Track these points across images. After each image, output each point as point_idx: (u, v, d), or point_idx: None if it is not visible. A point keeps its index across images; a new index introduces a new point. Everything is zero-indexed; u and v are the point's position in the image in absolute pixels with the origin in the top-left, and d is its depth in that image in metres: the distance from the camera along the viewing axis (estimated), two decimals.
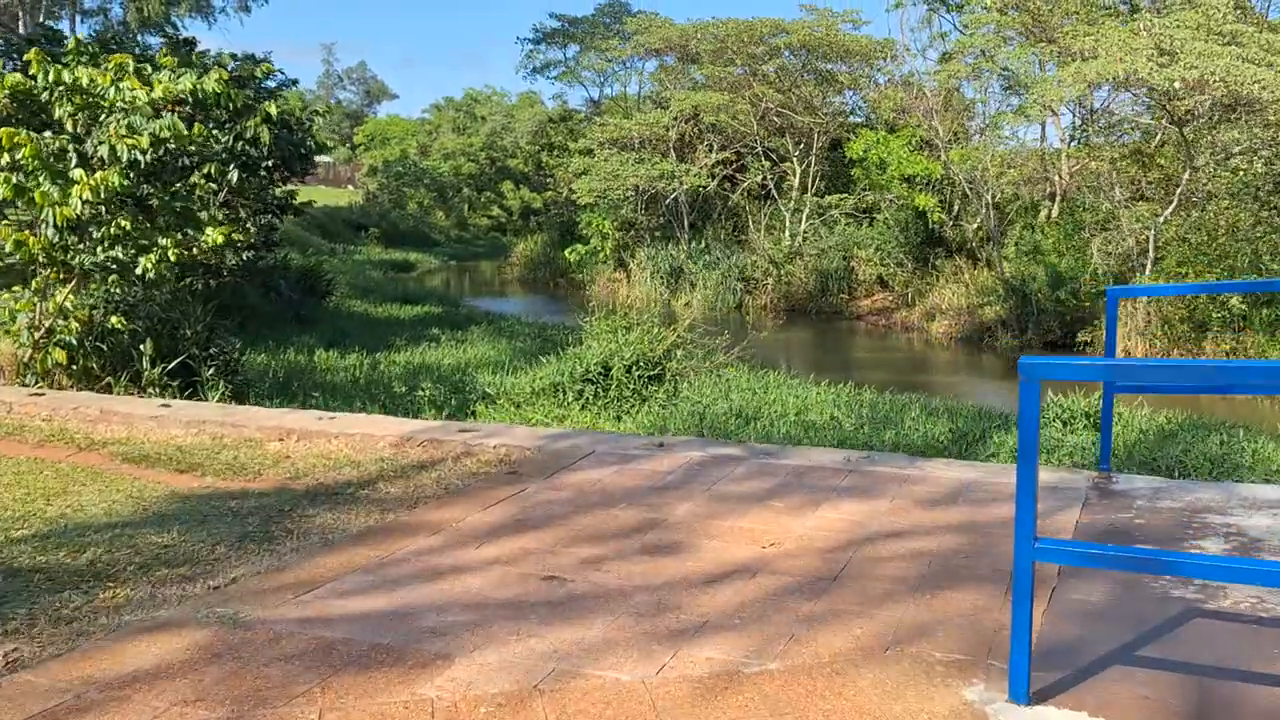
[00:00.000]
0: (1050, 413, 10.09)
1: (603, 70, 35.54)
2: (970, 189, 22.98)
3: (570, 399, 9.95)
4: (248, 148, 10.45)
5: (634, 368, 10.18)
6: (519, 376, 11.34)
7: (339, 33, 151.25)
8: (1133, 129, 17.97)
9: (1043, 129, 25.89)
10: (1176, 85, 13.56)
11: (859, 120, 29.98)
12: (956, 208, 26.20)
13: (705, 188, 30.29)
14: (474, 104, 64.86)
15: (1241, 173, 15.54)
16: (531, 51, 36.45)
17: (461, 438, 6.64)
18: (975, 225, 25.33)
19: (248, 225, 13.21)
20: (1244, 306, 16.06)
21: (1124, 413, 10.40)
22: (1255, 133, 15.14)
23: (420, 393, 10.52)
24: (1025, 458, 2.63)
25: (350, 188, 68.05)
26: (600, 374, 10.08)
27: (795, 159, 28.87)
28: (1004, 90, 23.33)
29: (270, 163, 12.07)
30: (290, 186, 16.21)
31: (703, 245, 30.54)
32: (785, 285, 28.07)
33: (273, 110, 10.09)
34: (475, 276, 43.75)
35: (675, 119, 29.08)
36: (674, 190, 29.45)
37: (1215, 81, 13.07)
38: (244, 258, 15.19)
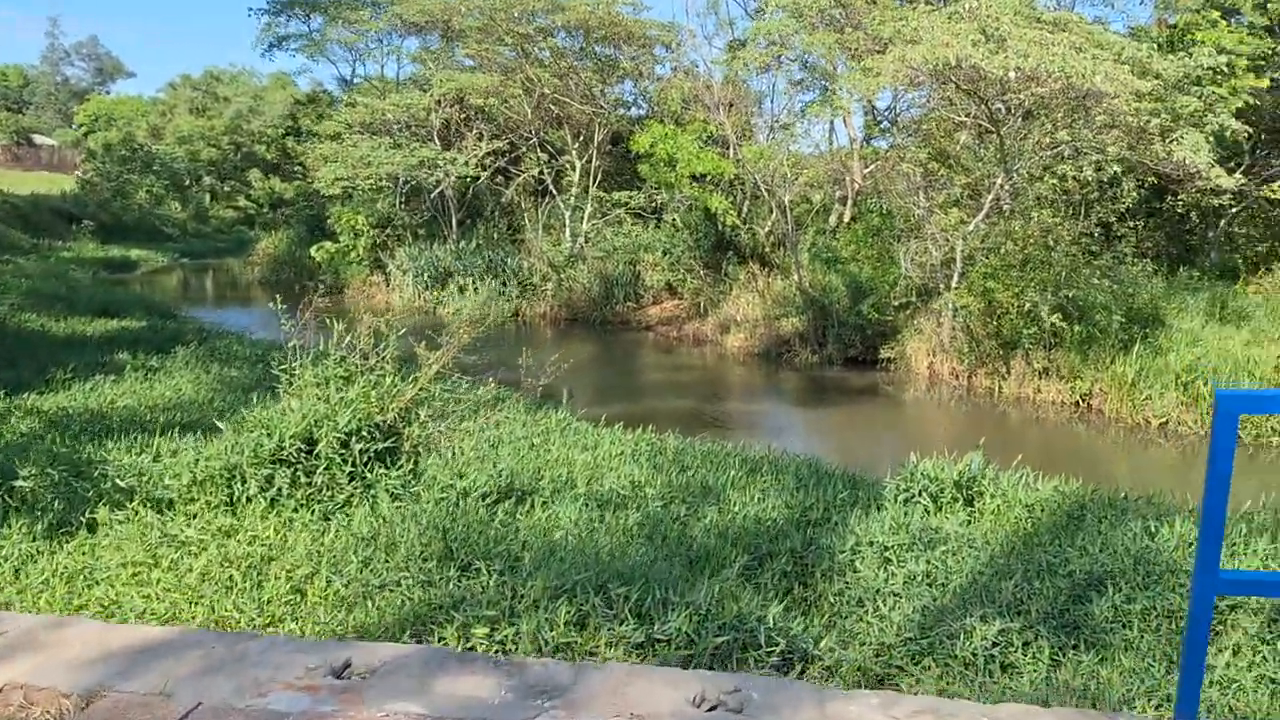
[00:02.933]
0: (916, 483, 7.81)
1: (353, 45, 31.28)
2: (765, 189, 21.08)
3: (253, 492, 6.61)
4: None
5: (355, 439, 6.97)
6: (181, 448, 7.81)
7: (69, 3, 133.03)
8: (940, 128, 16.53)
9: (831, 127, 24.55)
10: (1011, 75, 11.91)
11: (642, 113, 27.65)
12: (747, 210, 24.42)
13: (477, 180, 27.03)
14: (215, 83, 58.06)
15: (1069, 179, 14.25)
16: (270, 23, 31.64)
17: None
18: (767, 229, 23.58)
19: None
20: (1062, 323, 14.80)
21: (996, 477, 8.29)
22: (1085, 135, 13.87)
23: (21, 483, 6.83)
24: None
25: (77, 174, 59.47)
26: (302, 451, 6.80)
27: (575, 152, 26.16)
28: (794, 84, 21.59)
29: None
30: None
31: (474, 245, 27.27)
32: (566, 291, 25.34)
33: None
34: (216, 277, 38.17)
35: (439, 102, 25.60)
36: (439, 182, 25.98)
37: (1055, 72, 11.48)
38: None
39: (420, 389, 7.41)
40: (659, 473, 9.62)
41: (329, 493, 6.74)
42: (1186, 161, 13.35)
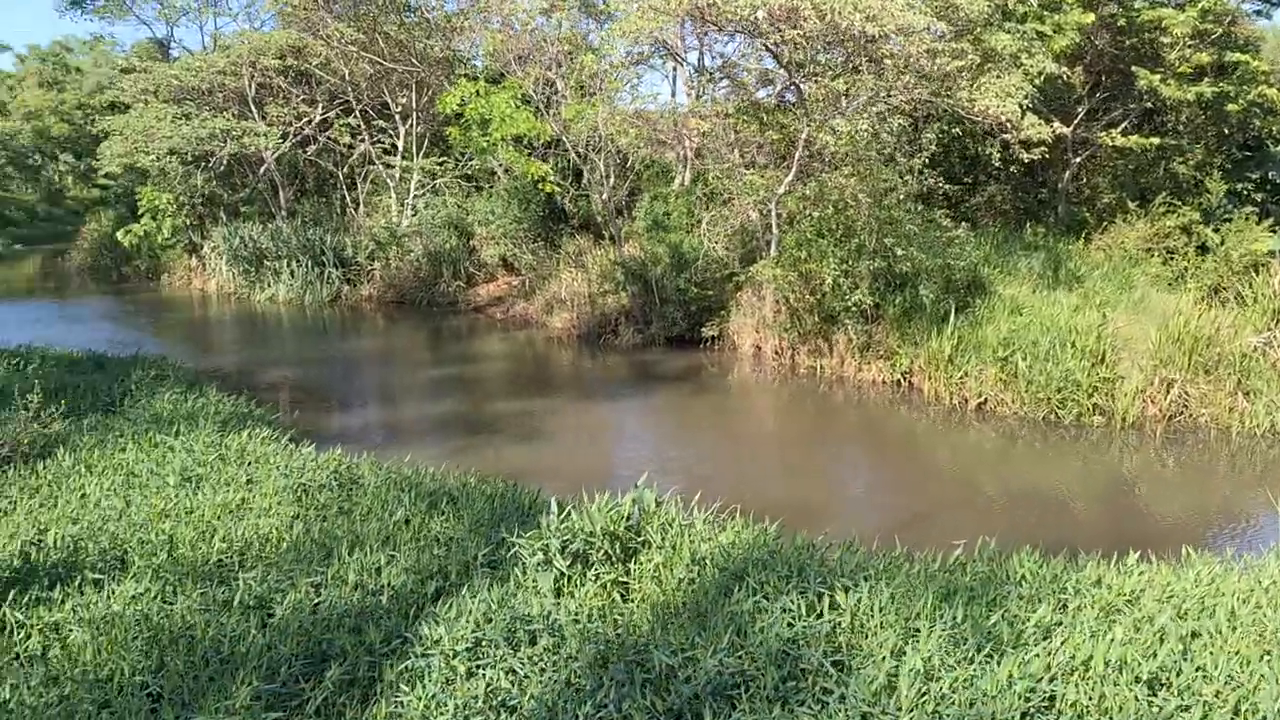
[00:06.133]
0: (555, 539, 5.94)
1: (175, 4, 28.28)
2: (574, 152, 19.12)
3: None
4: None
5: None
6: None
7: None
8: (754, 80, 14.73)
9: (673, 82, 22.63)
10: (760, 15, 10.14)
11: (478, 72, 25.37)
12: (586, 175, 22.44)
13: (304, 151, 24.64)
14: (66, 54, 53.80)
15: (848, 134, 12.51)
16: None
17: None
18: (605, 196, 21.65)
19: None
20: (874, 298, 13.17)
21: (675, 519, 6.51)
22: (867, 82, 12.09)
23: None
24: None
25: None
26: None
27: (398, 117, 23.87)
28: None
29: None
30: None
31: (297, 223, 24.90)
32: (394, 271, 23.19)
33: None
34: (43, 265, 34.98)
35: (248, 63, 22.99)
36: (253, 154, 23.50)
37: (805, 8, 9.73)
38: None
39: None
40: (313, 519, 7.75)
41: None
42: (992, 111, 11.77)
